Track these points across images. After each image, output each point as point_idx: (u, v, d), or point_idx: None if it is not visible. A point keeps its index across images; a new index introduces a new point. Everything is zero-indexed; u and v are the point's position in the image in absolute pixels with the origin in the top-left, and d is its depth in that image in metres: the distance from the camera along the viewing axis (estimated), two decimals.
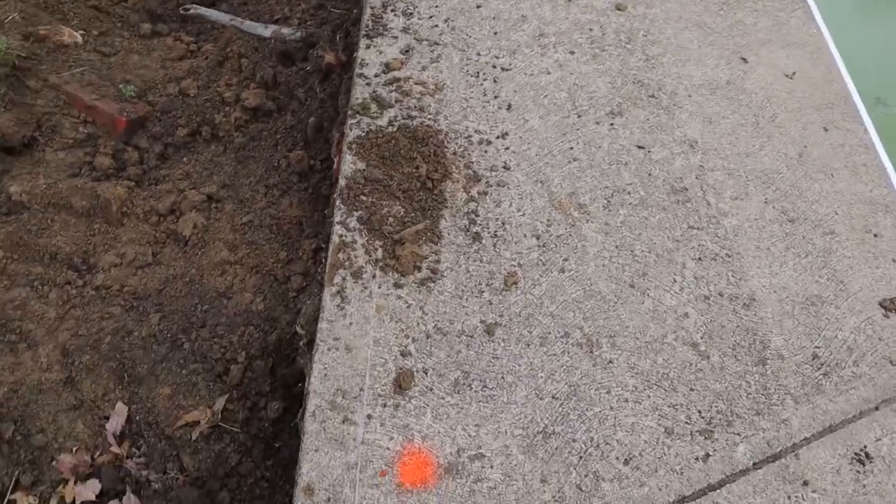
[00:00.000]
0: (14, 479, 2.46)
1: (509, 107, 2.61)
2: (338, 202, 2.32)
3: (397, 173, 2.36)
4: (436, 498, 1.80)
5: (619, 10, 3.00)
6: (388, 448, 1.87)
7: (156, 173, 3.24)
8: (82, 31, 3.66)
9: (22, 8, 3.59)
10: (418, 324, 2.08)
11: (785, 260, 2.35)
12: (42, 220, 3.00)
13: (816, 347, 2.17)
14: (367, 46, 2.74)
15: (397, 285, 2.15)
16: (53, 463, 2.46)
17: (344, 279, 2.17)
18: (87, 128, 3.29)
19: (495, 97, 2.63)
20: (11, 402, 2.55)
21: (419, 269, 2.18)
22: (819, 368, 2.13)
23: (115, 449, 2.46)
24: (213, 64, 3.53)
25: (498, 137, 2.51)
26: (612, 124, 2.60)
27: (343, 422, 1.91)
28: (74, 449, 2.48)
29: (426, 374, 1.99)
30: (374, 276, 2.17)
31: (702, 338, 2.13)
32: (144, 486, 2.40)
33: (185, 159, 3.32)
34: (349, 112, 2.54)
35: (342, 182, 2.37)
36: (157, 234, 3.03)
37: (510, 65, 2.74)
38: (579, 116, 2.61)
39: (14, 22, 3.48)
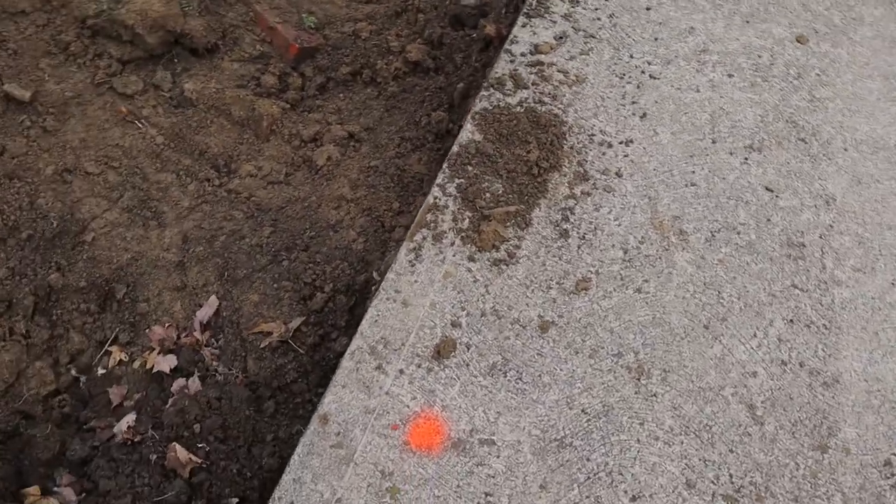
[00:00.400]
0: (115, 334, 2.73)
1: (644, 115, 2.49)
2: (444, 166, 2.34)
3: (508, 152, 2.34)
4: (434, 466, 1.80)
5: (798, 42, 2.75)
6: (407, 406, 1.89)
7: (311, 102, 3.41)
8: None
9: None
10: (478, 300, 2.07)
11: (892, 351, 2.09)
12: (203, 119, 3.26)
13: (893, 454, 1.93)
14: (524, 25, 2.70)
15: (471, 258, 2.15)
16: (147, 331, 2.70)
17: (424, 238, 2.19)
18: (263, 46, 3.51)
19: (633, 103, 2.51)
20: (130, 268, 2.81)
21: (497, 248, 2.16)
22: (889, 478, 1.89)
23: (197, 335, 2.66)
24: (392, 13, 3.63)
25: (621, 143, 2.41)
26: (746, 158, 2.42)
27: (376, 368, 1.95)
28: (167, 324, 2.71)
29: (468, 349, 1.98)
30: (452, 244, 2.17)
31: (762, 402, 1.96)
32: (210, 375, 2.58)
33: (340, 95, 3.46)
34: (484, 84, 2.53)
35: (455, 148, 2.37)
36: (295, 157, 3.20)
37: (660, 74, 2.60)
38: (714, 142, 2.44)
39: None
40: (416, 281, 2.10)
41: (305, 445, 1.84)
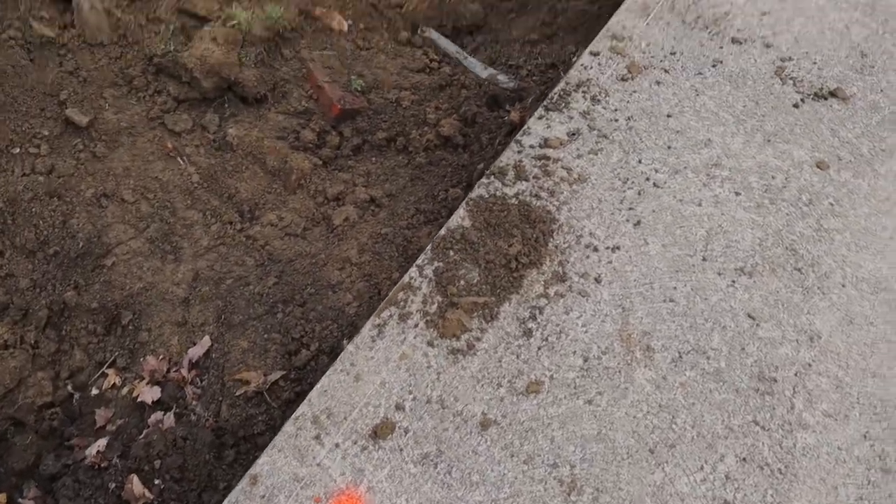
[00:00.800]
0: (114, 357, 2.88)
1: (638, 223, 2.48)
2: (428, 247, 2.39)
3: (491, 243, 2.37)
4: None
5: (818, 167, 2.69)
6: (335, 480, 1.92)
7: (344, 161, 3.54)
8: (350, 22, 4.08)
9: None
10: (427, 386, 2.09)
11: None
12: (239, 164, 3.43)
13: None
14: (540, 117, 2.76)
15: (430, 343, 2.18)
16: (142, 360, 2.84)
17: (391, 316, 2.24)
18: (309, 103, 3.68)
19: (629, 209, 2.51)
20: (140, 298, 2.97)
21: (458, 338, 2.19)
22: None
23: (184, 372, 2.78)
24: (436, 86, 3.75)
25: (608, 248, 2.41)
26: (734, 282, 2.37)
27: (314, 438, 2.00)
28: (161, 357, 2.84)
29: (405, 433, 2.01)
30: (416, 325, 2.21)
31: None
32: (186, 414, 2.69)
33: (373, 158, 3.59)
34: (487, 171, 2.59)
35: (442, 231, 2.43)
36: (316, 212, 3.32)
37: (664, 183, 2.59)
38: (704, 260, 2.41)
39: None
40: (372, 357, 2.15)
41: (230, 502, 1.90)
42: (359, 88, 3.69)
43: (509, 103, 3.45)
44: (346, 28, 3.99)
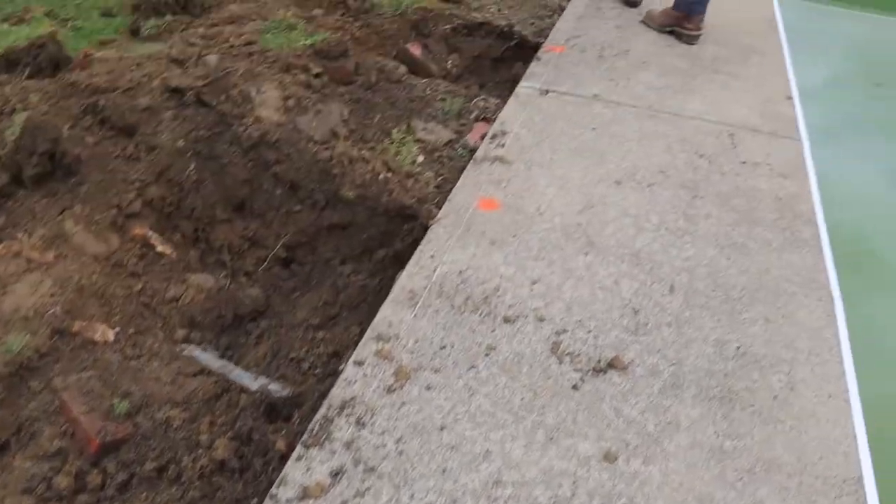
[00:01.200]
0: None
1: None
2: None
3: None
4: None
5: (606, 461, 2.54)
6: None
7: None
8: (119, 329, 3.77)
9: (72, 298, 3.80)
10: None
11: None
12: None
13: None
14: (299, 458, 2.48)
15: None
16: None
17: None
18: (63, 440, 3.26)
19: None
20: None
21: None
22: None
23: None
24: (211, 396, 3.45)
25: None
26: None
27: None
28: None
29: None
30: None
31: None
32: None
33: (143, 495, 3.16)
34: None
35: None
36: None
37: None
38: None
39: (54, 315, 3.67)
40: None
41: None
42: (124, 412, 3.32)
43: (287, 411, 3.20)
44: (111, 338, 3.69)
